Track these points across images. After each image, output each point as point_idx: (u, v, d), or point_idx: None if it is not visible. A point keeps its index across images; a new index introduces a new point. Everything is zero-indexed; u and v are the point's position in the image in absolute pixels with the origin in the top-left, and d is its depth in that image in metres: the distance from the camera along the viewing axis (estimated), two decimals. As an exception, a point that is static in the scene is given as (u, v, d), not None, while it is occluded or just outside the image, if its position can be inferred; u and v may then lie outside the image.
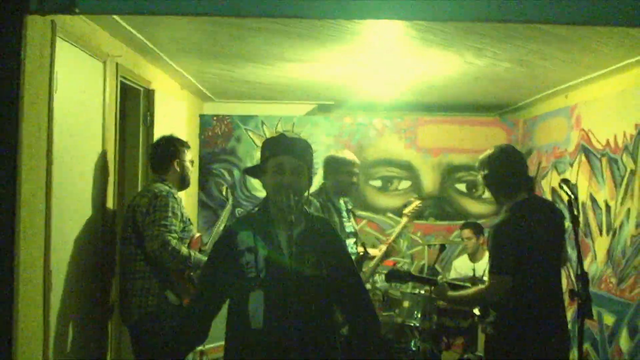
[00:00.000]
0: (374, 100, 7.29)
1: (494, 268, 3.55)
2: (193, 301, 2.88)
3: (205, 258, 3.82)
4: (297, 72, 5.69)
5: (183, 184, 4.29)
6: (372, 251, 5.02)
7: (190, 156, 4.37)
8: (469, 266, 6.50)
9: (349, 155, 4.66)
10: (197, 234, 4.25)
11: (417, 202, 5.13)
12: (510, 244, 3.50)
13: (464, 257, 6.75)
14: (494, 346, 3.66)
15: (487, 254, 6.62)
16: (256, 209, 2.90)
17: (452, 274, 6.75)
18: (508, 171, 3.63)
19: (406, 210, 5.09)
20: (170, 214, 3.90)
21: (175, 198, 4.02)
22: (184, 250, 3.90)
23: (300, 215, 2.80)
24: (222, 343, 2.84)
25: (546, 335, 3.51)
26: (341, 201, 4.71)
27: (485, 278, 6.47)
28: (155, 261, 3.89)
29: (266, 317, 2.67)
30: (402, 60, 5.14)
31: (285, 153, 2.77)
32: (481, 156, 3.74)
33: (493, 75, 5.58)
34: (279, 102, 7.66)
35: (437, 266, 7.18)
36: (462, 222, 7.11)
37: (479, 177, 3.76)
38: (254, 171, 2.94)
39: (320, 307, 2.77)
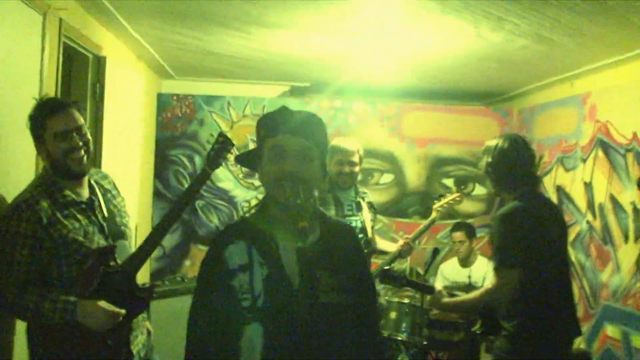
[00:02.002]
0: (354, 83, 6.52)
1: (502, 261, 3.13)
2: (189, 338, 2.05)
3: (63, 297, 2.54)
4: (273, 42, 4.85)
5: (63, 174, 2.67)
6: (384, 244, 4.46)
7: (61, 125, 2.63)
8: (461, 272, 5.79)
9: (342, 142, 4.18)
10: (92, 251, 2.67)
11: (454, 196, 4.40)
12: (521, 234, 3.12)
13: (453, 261, 6.02)
14: None
15: (479, 258, 5.97)
16: (252, 211, 2.09)
17: (440, 280, 6.02)
18: (515, 162, 3.28)
19: (437, 205, 4.37)
20: (7, 248, 2.54)
21: (21, 221, 2.53)
22: (30, 299, 2.51)
23: (313, 220, 2.01)
24: None
25: (568, 342, 3.26)
26: (352, 192, 4.20)
27: (484, 284, 5.88)
28: None
29: None
30: (403, 32, 4.36)
31: (287, 131, 1.98)
32: (488, 142, 3.38)
33: (503, 55, 4.84)
34: (248, 82, 6.82)
35: (418, 269, 6.50)
36: (449, 221, 6.42)
37: (483, 163, 3.35)
38: (246, 158, 2.14)
39: (341, 349, 1.98)
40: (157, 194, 6.46)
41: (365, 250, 4.10)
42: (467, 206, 6.69)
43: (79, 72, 4.19)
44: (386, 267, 3.70)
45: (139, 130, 5.40)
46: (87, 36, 3.98)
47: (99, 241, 2.72)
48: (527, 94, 6.51)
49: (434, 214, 4.36)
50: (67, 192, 2.67)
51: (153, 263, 6.39)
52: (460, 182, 6.71)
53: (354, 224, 4.08)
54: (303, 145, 1.97)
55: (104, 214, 2.80)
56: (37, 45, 3.22)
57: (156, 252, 5.90)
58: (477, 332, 3.50)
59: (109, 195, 2.90)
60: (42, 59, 3.24)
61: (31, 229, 2.53)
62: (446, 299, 3.48)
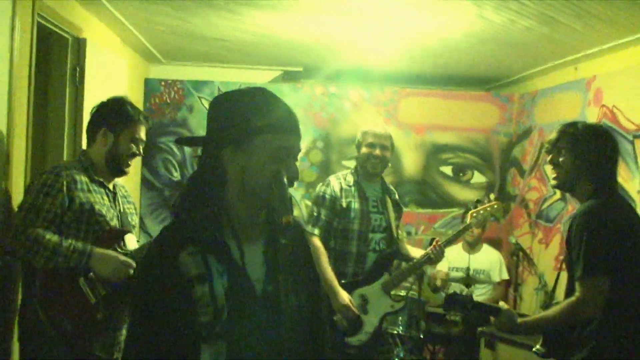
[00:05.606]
0: (349, 67, 6.28)
1: (589, 268, 2.67)
2: None
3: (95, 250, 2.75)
4: (263, 24, 4.62)
5: (111, 165, 2.97)
6: (412, 250, 4.22)
7: (141, 134, 3.03)
8: (464, 257, 5.58)
9: (374, 127, 4.14)
10: (111, 228, 2.90)
11: (491, 203, 4.13)
12: (610, 236, 2.69)
13: (458, 247, 5.80)
14: None
15: (484, 246, 5.78)
16: (186, 212, 1.80)
17: (443, 265, 5.79)
18: (613, 157, 2.90)
19: (473, 211, 4.10)
20: (41, 195, 2.71)
21: (59, 176, 2.76)
22: (51, 238, 2.67)
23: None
24: None
25: None
26: (378, 187, 4.07)
27: (481, 276, 5.68)
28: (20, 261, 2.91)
29: None
30: (400, 13, 4.13)
31: (293, 132, 1.80)
32: (580, 125, 2.90)
33: (505, 37, 4.61)
34: (239, 67, 6.57)
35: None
36: (447, 210, 6.31)
37: (554, 156, 2.89)
38: (208, 143, 1.83)
39: (298, 351, 1.79)
40: (145, 183, 6.23)
41: (388, 251, 3.94)
42: (465, 194, 6.48)
43: (58, 56, 3.96)
44: (451, 293, 3.29)
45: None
46: (64, 16, 3.74)
47: (116, 224, 2.97)
48: (528, 78, 6.28)
49: (469, 220, 4.10)
50: (99, 177, 2.96)
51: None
52: (459, 170, 6.50)
53: (377, 223, 3.95)
54: (300, 146, 1.83)
55: (120, 209, 3.04)
56: (6, 24, 2.98)
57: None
58: (538, 353, 2.96)
59: (124, 199, 3.15)
60: (12, 40, 3.01)
61: (66, 186, 2.76)
62: (520, 320, 2.91)
